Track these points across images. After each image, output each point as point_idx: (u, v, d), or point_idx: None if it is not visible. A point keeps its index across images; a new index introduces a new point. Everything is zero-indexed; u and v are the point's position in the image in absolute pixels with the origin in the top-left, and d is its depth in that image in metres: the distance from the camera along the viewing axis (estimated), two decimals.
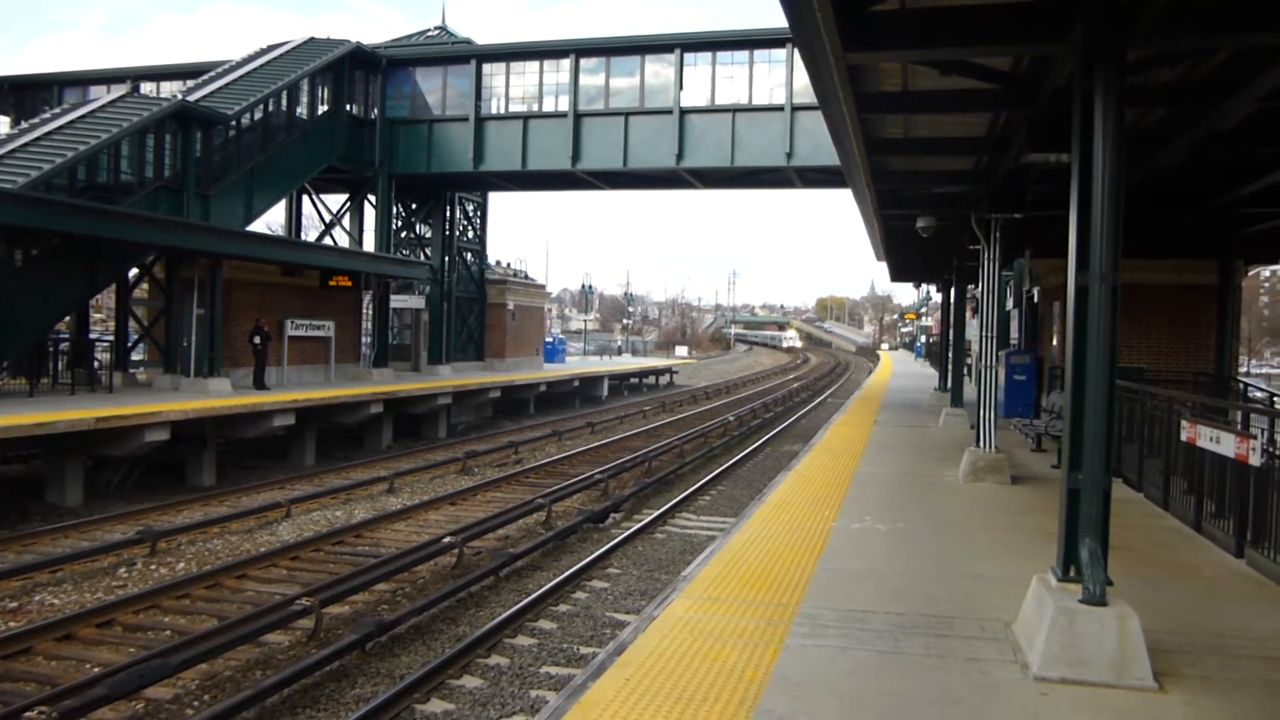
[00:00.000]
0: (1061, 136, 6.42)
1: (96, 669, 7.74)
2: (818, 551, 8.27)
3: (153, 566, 11.43)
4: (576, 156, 28.28)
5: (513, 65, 29.19)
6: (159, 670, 7.10)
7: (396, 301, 30.89)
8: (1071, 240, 5.83)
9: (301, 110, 27.64)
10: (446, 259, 32.99)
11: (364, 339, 29.85)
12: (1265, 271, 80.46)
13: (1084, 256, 5.67)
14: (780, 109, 26.45)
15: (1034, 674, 5.30)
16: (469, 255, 35.03)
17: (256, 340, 22.26)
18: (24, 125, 22.04)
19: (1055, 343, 19.33)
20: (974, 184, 13.10)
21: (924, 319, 74.78)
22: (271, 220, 42.47)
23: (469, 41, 32.58)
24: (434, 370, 31.60)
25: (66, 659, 8.25)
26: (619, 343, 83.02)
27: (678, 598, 6.79)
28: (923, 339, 71.29)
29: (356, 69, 29.60)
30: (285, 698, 7.31)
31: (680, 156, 27.38)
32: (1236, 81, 7.87)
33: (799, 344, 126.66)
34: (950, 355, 24.74)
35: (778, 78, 26.67)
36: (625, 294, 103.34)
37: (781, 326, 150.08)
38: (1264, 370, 65.86)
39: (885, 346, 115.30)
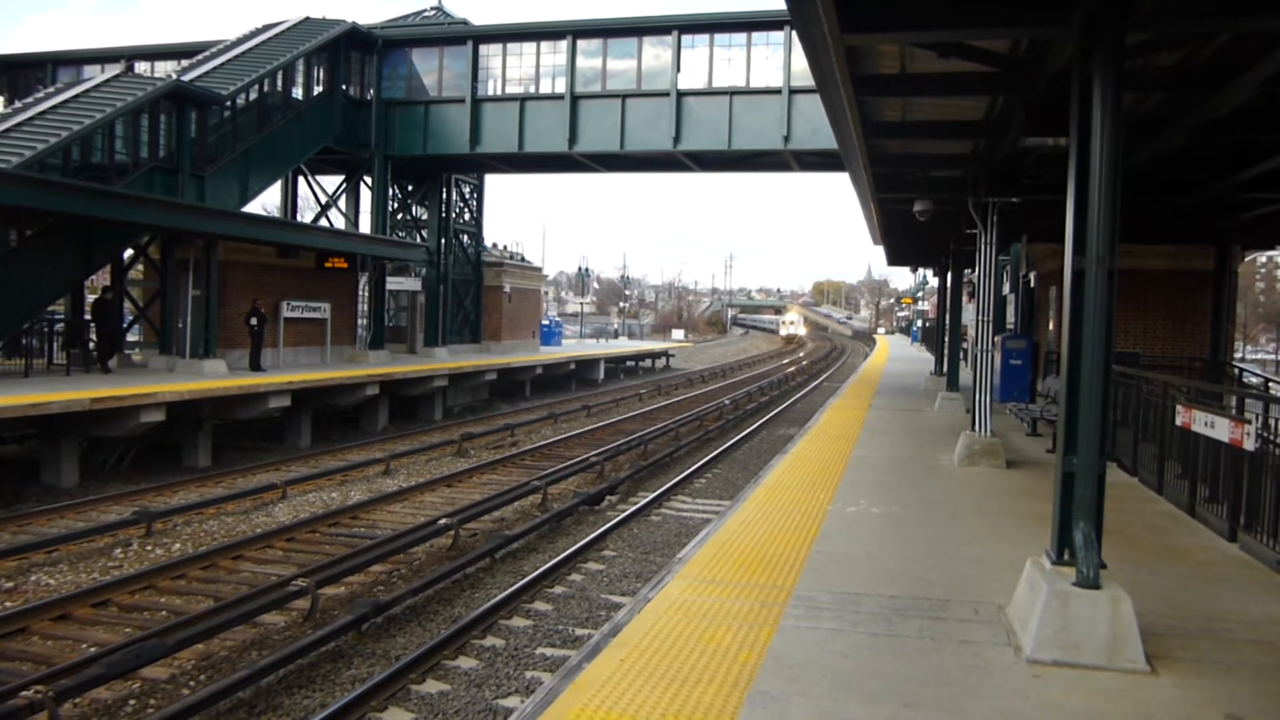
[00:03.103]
0: (1059, 120, 6.40)
1: (93, 649, 7.77)
2: (812, 534, 8.30)
3: (149, 547, 11.44)
4: (573, 138, 28.15)
5: (509, 46, 29.01)
6: (155, 650, 7.12)
7: (393, 283, 30.81)
8: (1069, 225, 5.81)
9: (297, 91, 27.47)
10: (443, 241, 32.89)
11: (360, 321, 29.79)
12: (1262, 257, 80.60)
13: (1081, 241, 5.66)
14: (778, 92, 26.33)
15: (1027, 656, 5.32)
16: (465, 237, 34.95)
17: (253, 322, 22.22)
18: (18, 105, 21.87)
19: (1051, 327, 19.35)
20: (971, 168, 13.07)
21: (920, 303, 74.76)
22: (267, 202, 42.30)
23: (465, 22, 32.39)
24: (430, 353, 31.56)
25: (63, 639, 8.27)
26: (615, 326, 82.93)
27: (673, 580, 6.81)
28: (919, 323, 71.28)
29: (352, 49, 29.40)
30: (281, 678, 7.34)
31: (677, 139, 27.26)
32: (1235, 66, 7.85)
33: (802, 330, 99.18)
34: (946, 340, 24.77)
35: (776, 60, 26.54)
36: (622, 277, 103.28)
37: (780, 310, 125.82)
38: (1259, 356, 66.02)
39: (882, 331, 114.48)
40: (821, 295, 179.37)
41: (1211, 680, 5.08)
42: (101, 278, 24.79)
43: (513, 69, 28.98)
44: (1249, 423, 7.40)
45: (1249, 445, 7.30)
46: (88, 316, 21.69)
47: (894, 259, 38.65)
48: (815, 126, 24.56)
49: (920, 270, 57.81)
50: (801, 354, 71.24)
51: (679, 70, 27.26)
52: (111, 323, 21.26)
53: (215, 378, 19.53)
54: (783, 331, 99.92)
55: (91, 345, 21.22)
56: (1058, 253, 13.78)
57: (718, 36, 27.11)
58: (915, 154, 13.72)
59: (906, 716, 4.59)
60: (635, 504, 13.96)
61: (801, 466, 12.10)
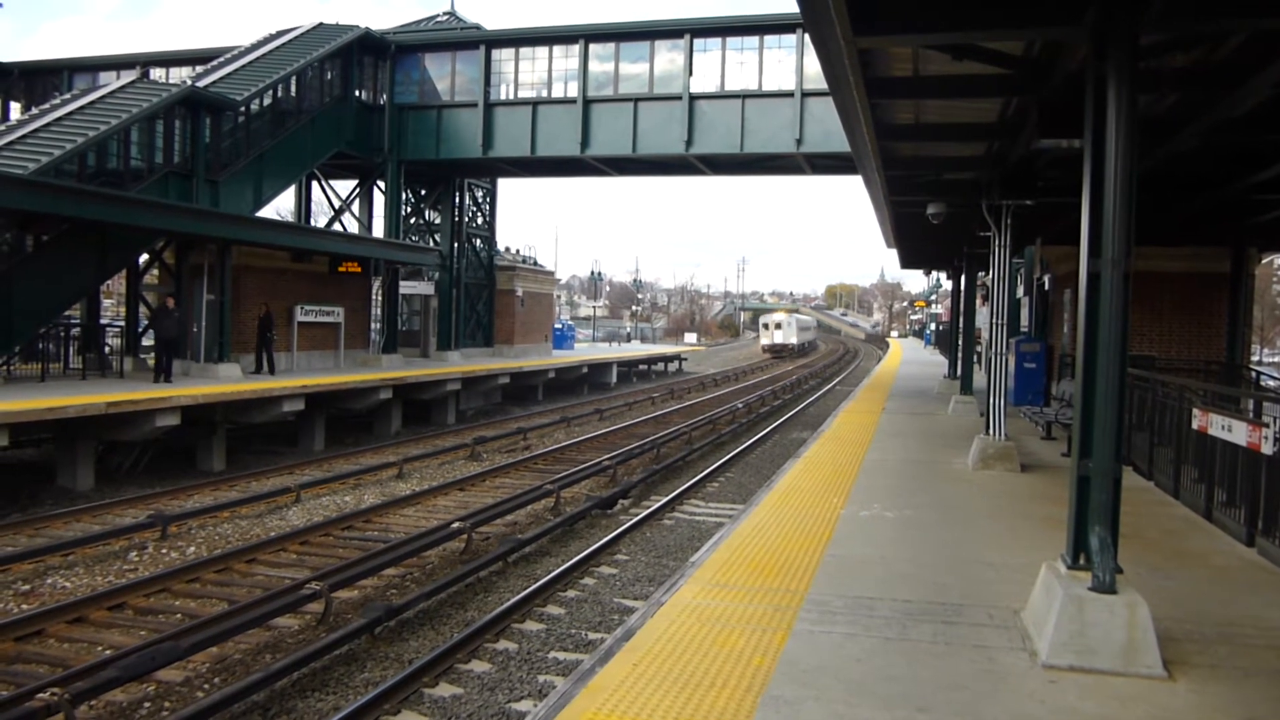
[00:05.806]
0: (1074, 122, 6.35)
1: (108, 651, 7.80)
2: (826, 538, 8.27)
3: (163, 550, 11.50)
4: (586, 142, 28.21)
5: (522, 51, 29.11)
6: (170, 653, 7.15)
7: (406, 288, 30.92)
8: (1083, 227, 5.77)
9: (310, 96, 27.63)
10: (455, 245, 33.00)
11: (373, 325, 29.89)
12: (1278, 259, 79.89)
13: (1096, 243, 5.62)
14: (790, 95, 26.31)
15: (1042, 661, 5.28)
16: (478, 241, 35.04)
17: (259, 326, 22.29)
18: (34, 111, 22.08)
19: (1066, 330, 19.25)
20: (985, 170, 13.01)
21: (934, 306, 74.47)
22: (281, 206, 42.68)
23: (478, 27, 32.49)
24: (443, 356, 31.65)
25: (78, 641, 8.32)
26: (628, 329, 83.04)
27: (686, 584, 6.80)
28: (932, 326, 71.00)
29: (365, 54, 29.57)
30: (295, 681, 7.35)
31: (690, 143, 27.28)
32: (1251, 67, 7.78)
33: (794, 339, 72.03)
34: (960, 343, 24.68)
35: (788, 63, 26.53)
36: (634, 281, 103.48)
37: (791, 314, 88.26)
38: (1276, 359, 65.46)
39: (895, 334, 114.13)
40: (834, 298, 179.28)
41: (1229, 686, 5.03)
42: (117, 283, 24.93)
43: (525, 73, 29.07)
44: (1267, 426, 7.33)
45: (1267, 449, 7.24)
46: (100, 323, 21.57)
47: (907, 262, 38.48)
48: (828, 129, 24.54)
49: (934, 273, 57.64)
50: (813, 357, 70.88)
51: (691, 74, 27.29)
52: (174, 331, 20.95)
53: (229, 382, 19.62)
54: (763, 340, 72.48)
55: (108, 350, 21.35)
56: (1072, 255, 13.72)
57: (730, 40, 27.13)
58: (928, 156, 13.67)
59: None
60: (648, 508, 13.95)
61: (814, 470, 12.07)
